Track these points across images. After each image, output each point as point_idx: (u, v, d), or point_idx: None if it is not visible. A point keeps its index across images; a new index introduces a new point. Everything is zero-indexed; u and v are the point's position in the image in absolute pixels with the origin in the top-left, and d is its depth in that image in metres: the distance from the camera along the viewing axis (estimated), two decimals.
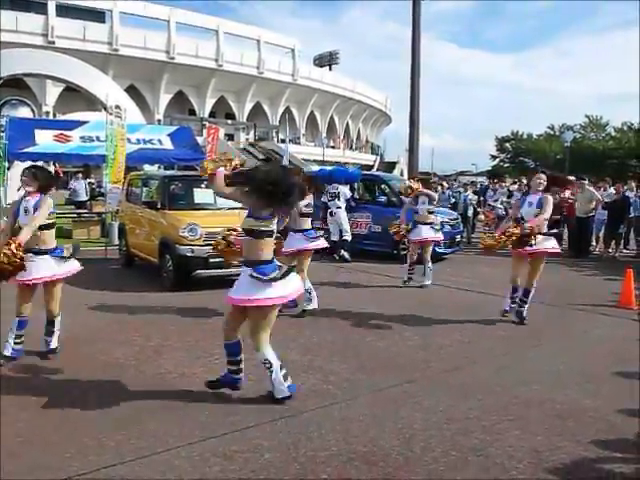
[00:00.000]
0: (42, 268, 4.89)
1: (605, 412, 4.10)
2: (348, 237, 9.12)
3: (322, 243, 7.10)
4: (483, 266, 11.35)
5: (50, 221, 5.05)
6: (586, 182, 13.57)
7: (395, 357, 5.34)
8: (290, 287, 4.08)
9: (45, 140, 13.32)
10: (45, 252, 4.96)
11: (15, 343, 4.94)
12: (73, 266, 5.15)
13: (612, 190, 14.53)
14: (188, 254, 8.01)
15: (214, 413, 3.93)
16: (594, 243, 14.06)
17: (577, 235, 13.62)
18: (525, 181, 13.53)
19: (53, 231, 5.13)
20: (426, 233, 8.98)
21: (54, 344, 5.21)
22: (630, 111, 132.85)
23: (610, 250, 13.31)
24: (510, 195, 15.87)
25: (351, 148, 58.58)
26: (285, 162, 15.82)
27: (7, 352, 4.92)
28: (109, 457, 3.29)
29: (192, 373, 4.76)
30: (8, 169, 13.29)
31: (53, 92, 38.90)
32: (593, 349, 5.79)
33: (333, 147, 53.18)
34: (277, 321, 4.10)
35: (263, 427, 3.73)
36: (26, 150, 12.82)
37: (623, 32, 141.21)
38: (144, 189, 10.25)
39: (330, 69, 60.20)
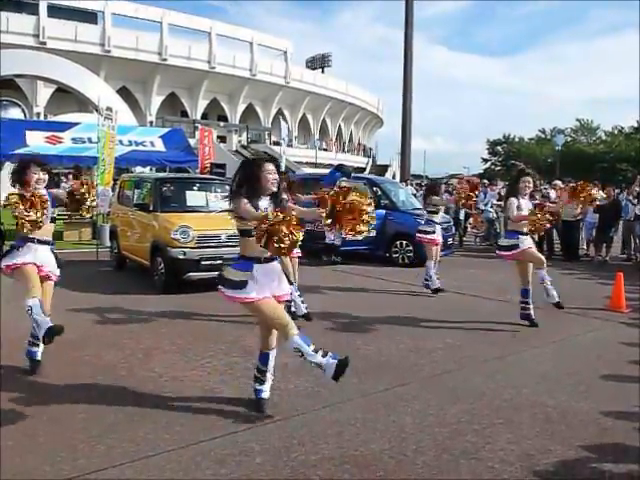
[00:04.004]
0: (50, 262, 4.84)
1: (595, 415, 4.12)
2: (338, 242, 10.22)
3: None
4: (475, 269, 11.39)
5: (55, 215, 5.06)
6: None
7: (386, 360, 5.35)
8: None
9: (36, 141, 13.32)
10: (50, 243, 4.92)
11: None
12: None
13: (602, 193, 14.59)
14: (180, 257, 7.98)
15: (205, 417, 3.91)
16: (584, 247, 14.13)
17: (565, 238, 13.70)
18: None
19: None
20: (441, 234, 9.06)
21: (39, 356, 4.83)
22: (620, 115, 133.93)
23: (601, 254, 13.37)
24: (501, 199, 15.91)
25: (343, 150, 58.57)
26: (282, 165, 15.82)
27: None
28: (100, 461, 3.28)
29: (183, 376, 4.74)
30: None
31: (44, 93, 38.64)
32: (583, 352, 5.81)
33: (326, 149, 53.13)
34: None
35: (254, 430, 3.73)
36: (17, 151, 12.79)
37: (613, 37, 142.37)
38: (136, 191, 10.21)
39: (322, 72, 60.23)
